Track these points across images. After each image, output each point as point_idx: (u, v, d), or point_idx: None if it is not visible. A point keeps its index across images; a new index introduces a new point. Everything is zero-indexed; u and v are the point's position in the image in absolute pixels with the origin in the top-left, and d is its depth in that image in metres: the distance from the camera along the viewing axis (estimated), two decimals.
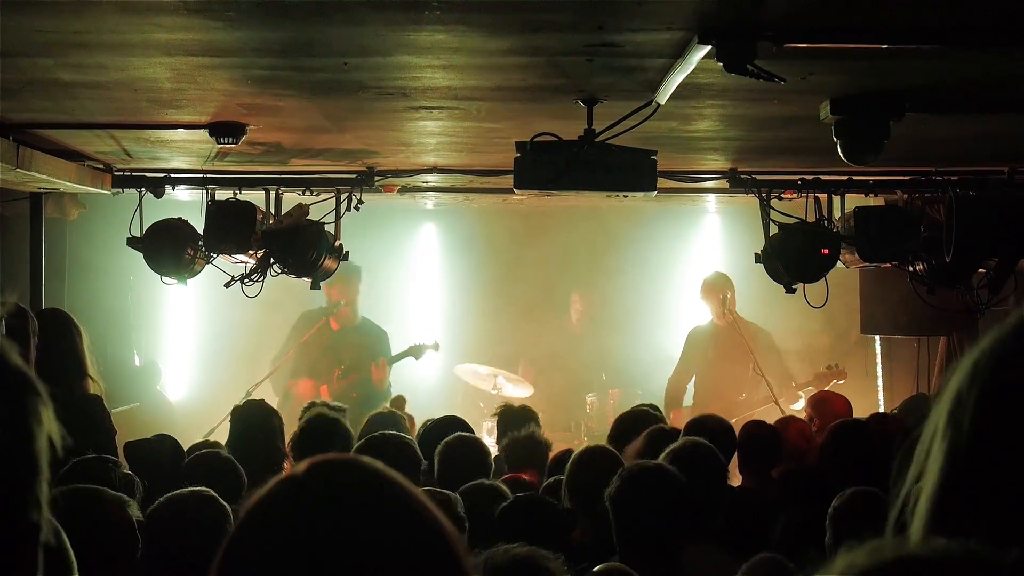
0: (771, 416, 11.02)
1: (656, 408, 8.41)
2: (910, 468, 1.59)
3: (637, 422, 7.31)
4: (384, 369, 11.36)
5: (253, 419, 7.55)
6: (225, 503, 4.70)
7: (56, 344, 7.07)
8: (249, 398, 8.44)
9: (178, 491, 4.86)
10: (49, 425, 1.35)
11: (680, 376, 11.77)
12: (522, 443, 7.46)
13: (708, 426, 6.85)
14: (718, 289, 11.61)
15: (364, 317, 11.73)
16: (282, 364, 11.27)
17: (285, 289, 10.37)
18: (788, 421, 8.22)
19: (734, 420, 10.72)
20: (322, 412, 7.10)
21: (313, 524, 1.53)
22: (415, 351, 11.52)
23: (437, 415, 8.52)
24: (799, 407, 10.98)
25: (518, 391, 11.95)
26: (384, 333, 11.73)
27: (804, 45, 5.00)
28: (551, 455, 7.55)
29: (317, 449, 6.16)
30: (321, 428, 6.82)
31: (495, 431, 8.37)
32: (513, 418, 8.01)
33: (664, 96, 5.87)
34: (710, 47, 4.86)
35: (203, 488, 4.89)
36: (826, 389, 9.21)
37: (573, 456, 6.15)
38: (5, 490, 1.28)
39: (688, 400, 11.70)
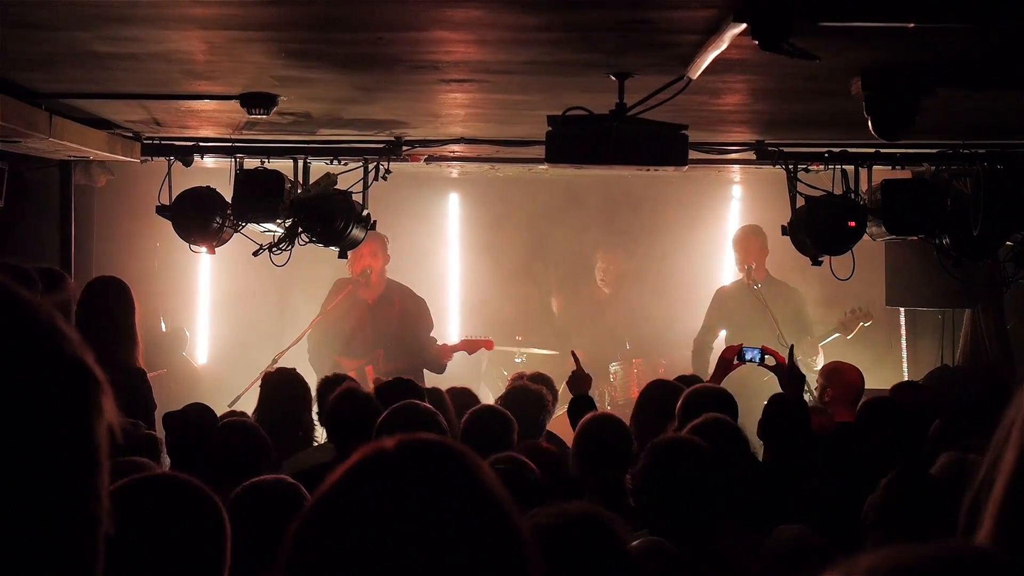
0: None
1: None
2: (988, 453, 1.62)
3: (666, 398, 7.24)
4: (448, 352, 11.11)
5: (281, 389, 7.56)
6: (307, 493, 4.62)
7: (109, 312, 7.11)
8: (280, 367, 8.38)
9: (259, 478, 4.82)
10: (109, 415, 1.37)
11: (705, 336, 11.72)
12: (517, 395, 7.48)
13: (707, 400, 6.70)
14: (741, 243, 11.61)
15: (392, 280, 11.37)
16: (308, 331, 11.15)
17: (312, 256, 10.39)
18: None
19: (765, 379, 10.69)
20: (352, 387, 6.95)
21: (398, 497, 1.58)
22: (467, 346, 11.33)
23: (459, 384, 8.54)
24: (819, 364, 10.99)
25: (542, 353, 12.00)
26: (422, 301, 11.35)
27: (838, 24, 5.01)
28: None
29: (349, 425, 6.23)
30: (353, 404, 6.71)
31: None
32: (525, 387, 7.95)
33: (696, 71, 5.89)
34: (745, 25, 4.87)
35: (284, 476, 4.86)
36: (839, 360, 9.15)
37: (580, 425, 6.13)
38: (66, 484, 1.30)
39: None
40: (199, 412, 6.68)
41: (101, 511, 1.34)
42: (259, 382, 7.98)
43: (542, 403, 7.52)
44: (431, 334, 11.26)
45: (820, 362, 11.04)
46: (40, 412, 1.28)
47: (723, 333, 11.62)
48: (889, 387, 8.97)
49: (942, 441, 6.45)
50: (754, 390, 10.27)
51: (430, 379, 10.44)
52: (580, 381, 7.89)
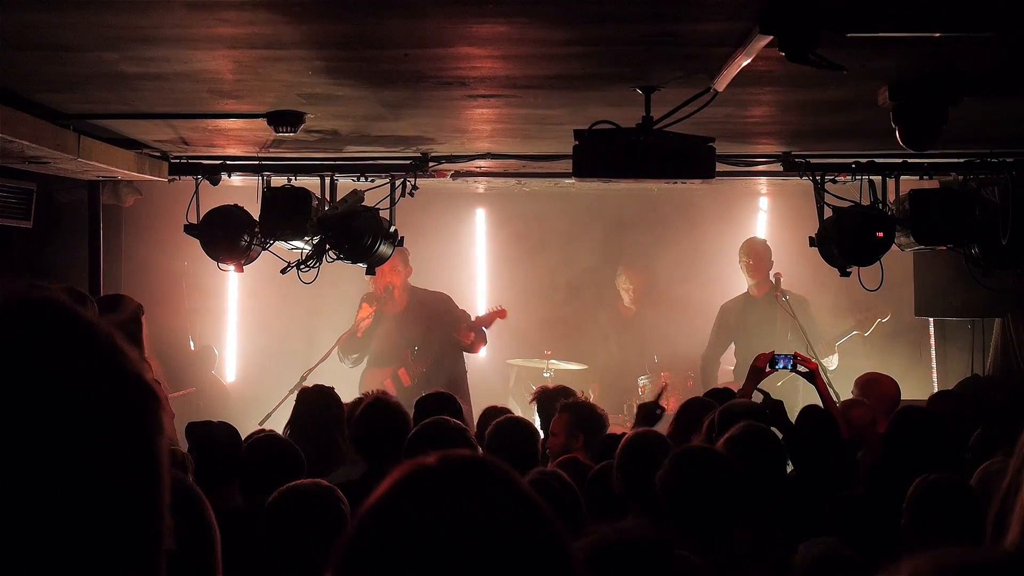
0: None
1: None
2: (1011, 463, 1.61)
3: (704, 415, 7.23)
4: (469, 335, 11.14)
5: (312, 407, 7.52)
6: (343, 495, 4.61)
7: (121, 325, 7.14)
8: (315, 384, 8.32)
9: (297, 481, 4.80)
10: (169, 431, 1.37)
11: (713, 351, 11.79)
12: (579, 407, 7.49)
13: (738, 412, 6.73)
14: (746, 255, 11.62)
15: (416, 288, 11.43)
16: (335, 347, 11.14)
17: (339, 273, 10.40)
18: (850, 404, 8.15)
19: (779, 384, 10.64)
20: (382, 399, 6.92)
21: (444, 514, 1.57)
22: (482, 321, 11.35)
23: (488, 401, 8.52)
24: (834, 365, 10.99)
25: (571, 368, 11.99)
26: (447, 297, 11.44)
27: (865, 35, 5.00)
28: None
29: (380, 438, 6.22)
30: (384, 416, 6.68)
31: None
32: (551, 398, 7.98)
33: (723, 84, 5.88)
34: (772, 37, 4.87)
35: (320, 480, 4.85)
36: (874, 371, 9.10)
37: (624, 442, 6.13)
38: (130, 502, 1.30)
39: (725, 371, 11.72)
40: (225, 429, 6.67)
41: (164, 528, 1.34)
42: (292, 397, 7.92)
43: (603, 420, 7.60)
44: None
45: (835, 362, 11.06)
46: (106, 431, 1.28)
47: (731, 347, 11.68)
48: (919, 397, 8.93)
49: (982, 450, 6.42)
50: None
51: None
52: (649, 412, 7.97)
